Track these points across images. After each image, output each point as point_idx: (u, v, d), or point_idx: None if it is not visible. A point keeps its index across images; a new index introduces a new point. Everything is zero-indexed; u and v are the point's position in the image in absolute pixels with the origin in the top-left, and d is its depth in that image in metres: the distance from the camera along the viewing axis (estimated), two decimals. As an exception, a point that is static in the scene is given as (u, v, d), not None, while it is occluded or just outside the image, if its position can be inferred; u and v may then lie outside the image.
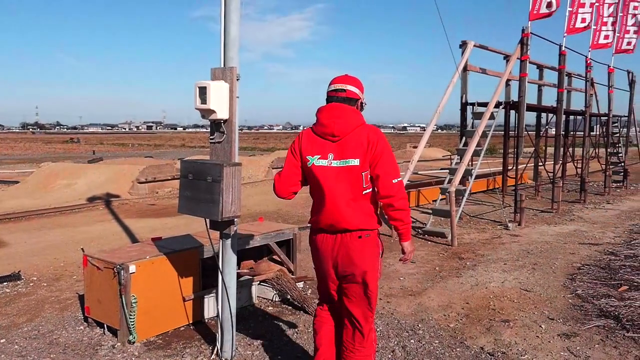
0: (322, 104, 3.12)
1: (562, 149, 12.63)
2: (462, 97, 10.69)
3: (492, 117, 9.73)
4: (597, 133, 16.40)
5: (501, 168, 13.13)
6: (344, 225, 2.98)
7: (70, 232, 8.72)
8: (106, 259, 4.23)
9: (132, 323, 4.08)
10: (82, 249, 4.62)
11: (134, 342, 4.12)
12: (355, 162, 2.94)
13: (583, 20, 11.21)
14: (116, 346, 4.10)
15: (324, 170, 2.98)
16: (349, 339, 3.15)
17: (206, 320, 4.65)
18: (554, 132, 13.27)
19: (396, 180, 2.96)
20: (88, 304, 4.45)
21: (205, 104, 3.58)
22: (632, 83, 16.28)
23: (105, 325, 4.35)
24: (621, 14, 13.93)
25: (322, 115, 3.03)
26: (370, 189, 3.03)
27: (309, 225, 3.24)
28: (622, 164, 16.28)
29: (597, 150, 16.17)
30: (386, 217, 3.11)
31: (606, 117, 15.35)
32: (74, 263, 6.53)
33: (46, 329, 4.52)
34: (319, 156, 2.99)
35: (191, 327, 4.52)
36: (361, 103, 3.13)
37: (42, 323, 4.65)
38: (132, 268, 4.05)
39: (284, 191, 3.14)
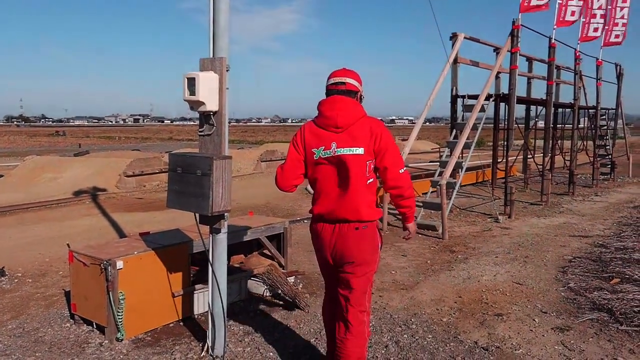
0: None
1: (551, 142, 12.65)
2: (452, 90, 10.66)
3: (482, 109, 9.72)
4: (585, 125, 16.48)
5: (490, 160, 13.16)
6: (344, 215, 3.03)
7: (56, 227, 8.57)
8: (93, 254, 4.13)
9: (120, 320, 3.99)
10: (67, 244, 4.51)
11: (122, 340, 4.03)
12: (360, 150, 2.99)
13: (572, 13, 11.21)
14: (104, 344, 4.01)
15: (328, 160, 3.04)
16: (341, 332, 3.15)
17: (196, 316, 4.57)
18: (541, 125, 13.31)
19: (402, 171, 3.08)
20: (74, 300, 4.35)
21: (194, 95, 3.48)
22: (619, 76, 16.36)
23: (93, 323, 4.25)
24: (609, 7, 13.97)
25: (325, 108, 3.09)
26: (373, 179, 3.08)
27: (310, 214, 3.27)
28: (610, 156, 16.37)
29: (585, 143, 16.24)
30: (393, 204, 3.25)
31: (594, 110, 15.42)
32: (59, 258, 6.41)
33: (31, 326, 4.41)
34: (323, 147, 3.04)
35: (181, 323, 4.44)
36: (360, 95, 3.20)
37: (27, 320, 4.54)
38: (119, 264, 3.95)
39: (286, 184, 3.20)
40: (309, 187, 3.33)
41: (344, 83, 3.10)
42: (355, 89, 3.14)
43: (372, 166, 3.04)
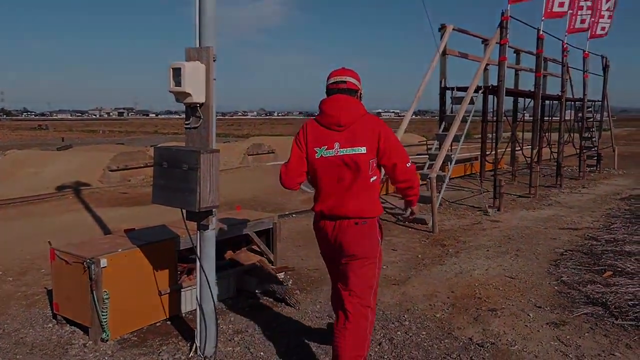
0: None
1: (538, 134, 12.64)
2: (441, 82, 10.60)
3: (471, 101, 9.65)
4: (572, 118, 16.52)
5: (477, 153, 13.14)
6: (345, 212, 3.05)
7: (37, 223, 8.36)
8: (75, 252, 3.98)
9: (105, 320, 3.85)
10: (49, 241, 4.34)
11: (107, 340, 3.89)
12: (362, 149, 3.02)
13: (561, 4, 11.17)
14: (88, 345, 3.87)
15: (331, 160, 3.05)
16: (340, 322, 3.12)
17: (183, 315, 4.44)
18: (527, 117, 13.31)
19: (409, 164, 3.16)
20: (57, 300, 4.20)
21: (180, 86, 3.34)
22: (605, 68, 16.41)
23: (76, 323, 4.10)
24: (596, -2, 13.97)
25: (327, 107, 3.11)
26: (376, 177, 3.10)
27: (312, 211, 3.31)
28: (596, 148, 16.44)
29: (571, 135, 16.28)
30: (401, 194, 3.37)
31: (581, 102, 15.46)
32: (41, 256, 6.20)
33: (12, 327, 4.25)
34: (325, 147, 3.06)
35: (168, 322, 4.30)
36: (360, 94, 3.23)
37: (7, 321, 4.37)
38: (103, 262, 3.81)
39: (290, 182, 3.21)
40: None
41: (344, 82, 3.14)
42: (355, 87, 3.17)
43: (375, 164, 3.07)
